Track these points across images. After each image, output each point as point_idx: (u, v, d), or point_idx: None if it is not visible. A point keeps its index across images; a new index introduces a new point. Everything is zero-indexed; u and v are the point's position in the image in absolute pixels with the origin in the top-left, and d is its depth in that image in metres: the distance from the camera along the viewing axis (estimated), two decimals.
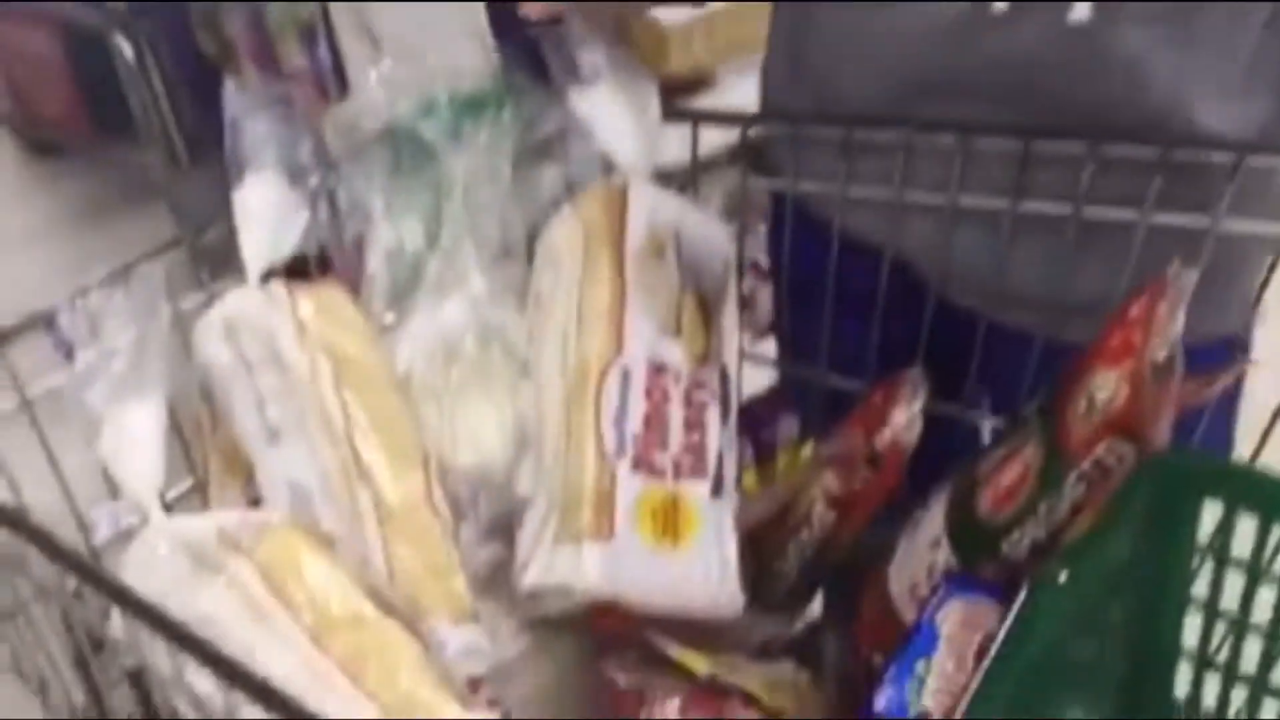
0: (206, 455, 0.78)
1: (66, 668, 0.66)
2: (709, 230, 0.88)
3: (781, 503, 0.80)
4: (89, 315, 0.61)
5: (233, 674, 0.44)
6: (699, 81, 1.49)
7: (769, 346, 1.07)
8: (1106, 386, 0.62)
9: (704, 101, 1.47)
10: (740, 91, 1.43)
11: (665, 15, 1.51)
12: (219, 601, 0.54)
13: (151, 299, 0.64)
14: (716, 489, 0.77)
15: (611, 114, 0.88)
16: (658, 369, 0.80)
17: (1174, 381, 0.66)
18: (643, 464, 0.77)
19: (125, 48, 2.08)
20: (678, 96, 1.43)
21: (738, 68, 1.48)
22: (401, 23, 0.99)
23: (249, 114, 0.83)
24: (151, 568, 0.57)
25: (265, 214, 0.81)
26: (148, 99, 2.14)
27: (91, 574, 0.51)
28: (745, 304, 0.87)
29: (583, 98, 0.87)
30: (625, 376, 0.79)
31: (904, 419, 0.78)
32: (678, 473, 0.78)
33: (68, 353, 0.61)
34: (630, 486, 0.76)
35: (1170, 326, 0.64)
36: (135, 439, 0.59)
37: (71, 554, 0.51)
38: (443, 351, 0.83)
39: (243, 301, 0.78)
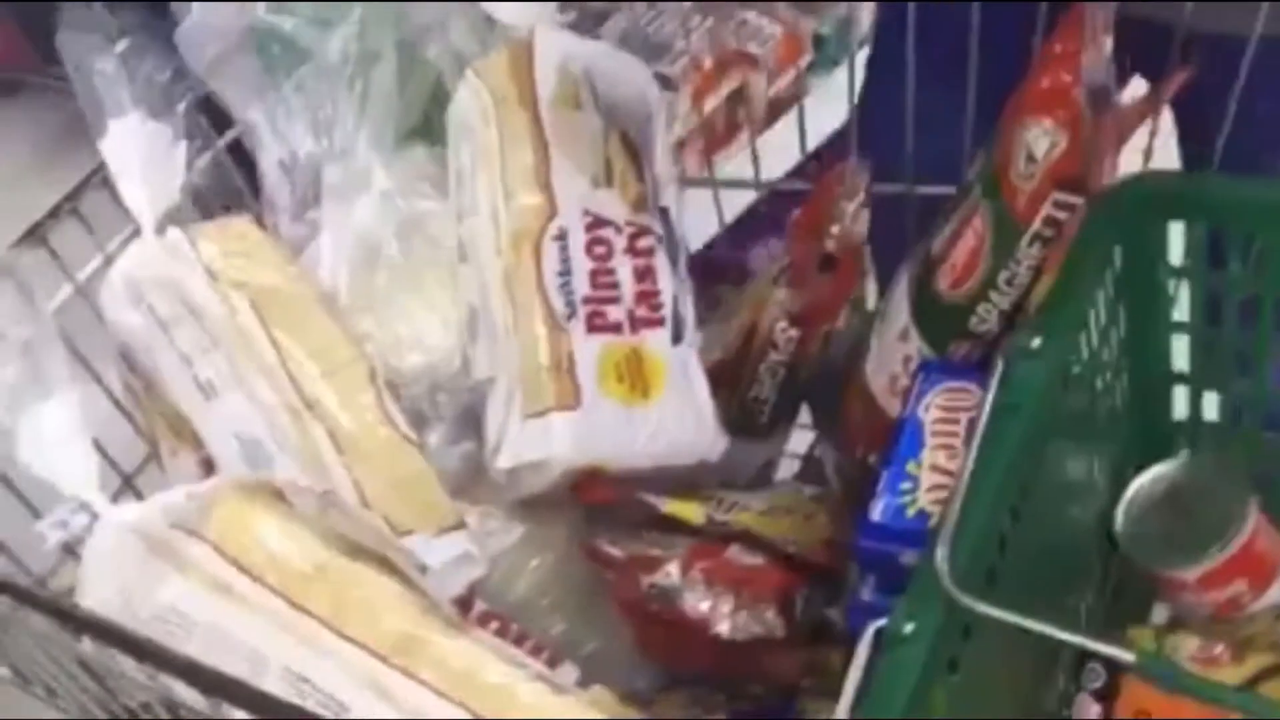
0: (151, 423, 0.75)
1: (68, 669, 0.65)
2: (624, 66, 0.82)
3: (744, 330, 0.77)
4: None
5: (195, 676, 0.43)
6: None
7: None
8: (1043, 137, 0.59)
9: None
10: None
11: None
12: (181, 590, 0.52)
13: (24, 295, 0.60)
14: (677, 334, 0.74)
15: None
16: (596, 223, 0.76)
17: (1112, 110, 0.62)
18: (597, 322, 0.74)
19: None
20: None
21: None
22: None
23: (92, 55, 0.77)
24: (108, 568, 0.55)
25: (140, 160, 0.75)
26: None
27: (39, 603, 0.49)
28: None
29: None
30: (563, 237, 0.76)
31: (850, 210, 0.74)
32: (634, 325, 0.75)
33: None
34: (588, 348, 0.73)
35: (1098, 55, 0.59)
36: (55, 440, 0.57)
37: (15, 587, 0.49)
38: (364, 257, 0.79)
39: (141, 258, 0.74)
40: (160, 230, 0.75)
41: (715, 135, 1.47)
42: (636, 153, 0.80)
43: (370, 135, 0.81)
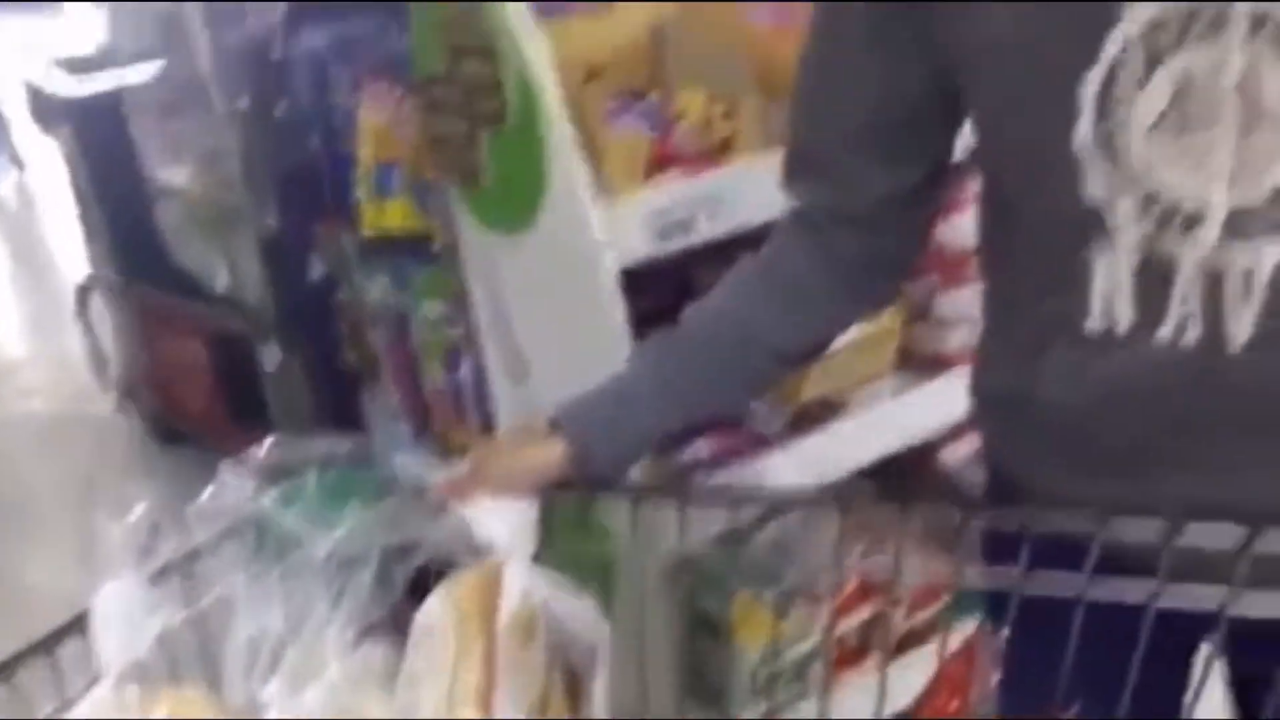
0: None
1: None
2: (577, 607, 0.90)
3: None
4: None
5: None
6: (830, 408, 1.52)
7: None
8: None
9: (833, 429, 1.49)
10: (869, 418, 1.47)
11: None
12: None
13: None
14: None
15: (489, 506, 0.92)
16: None
17: None
18: None
19: (273, 355, 2.24)
20: (809, 424, 1.47)
21: (867, 396, 1.54)
22: None
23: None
24: None
25: (121, 618, 0.82)
26: (289, 403, 2.27)
27: None
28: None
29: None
30: None
31: None
32: None
33: None
34: None
35: None
36: None
37: None
38: None
39: (96, 707, 0.79)
40: (120, 685, 0.80)
41: (844, 653, 1.55)
42: (576, 685, 0.87)
43: (336, 631, 0.88)
